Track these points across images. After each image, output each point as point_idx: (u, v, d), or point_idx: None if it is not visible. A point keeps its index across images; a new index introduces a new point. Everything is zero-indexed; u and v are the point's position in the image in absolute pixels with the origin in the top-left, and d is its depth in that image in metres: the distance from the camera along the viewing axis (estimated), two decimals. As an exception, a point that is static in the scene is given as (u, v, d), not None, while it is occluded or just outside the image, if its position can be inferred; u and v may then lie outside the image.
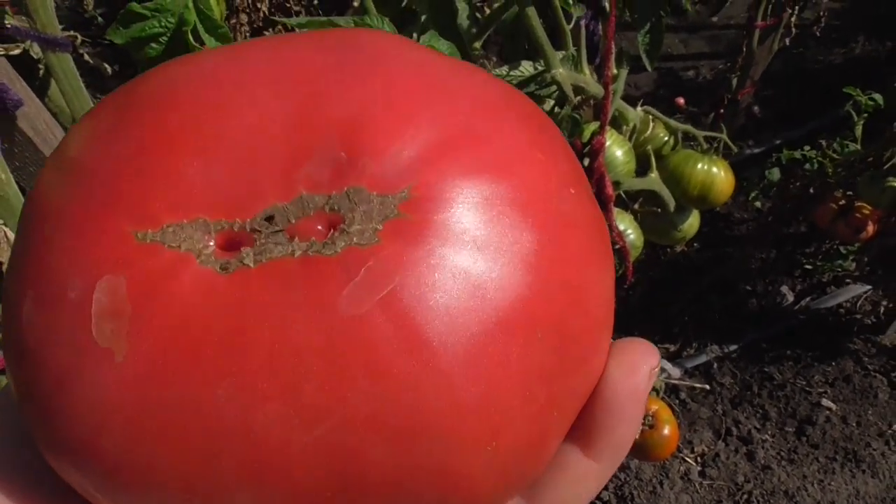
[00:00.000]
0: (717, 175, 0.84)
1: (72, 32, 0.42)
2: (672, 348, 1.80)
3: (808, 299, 1.85)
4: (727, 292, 1.90)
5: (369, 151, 0.19)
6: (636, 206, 0.84)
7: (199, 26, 0.42)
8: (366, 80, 0.20)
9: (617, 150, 0.73)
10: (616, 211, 0.73)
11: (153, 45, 0.43)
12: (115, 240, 0.18)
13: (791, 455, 1.59)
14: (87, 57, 0.47)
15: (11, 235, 0.40)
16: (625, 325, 1.84)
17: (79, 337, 0.18)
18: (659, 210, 0.83)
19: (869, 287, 1.77)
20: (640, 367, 0.22)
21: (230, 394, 0.17)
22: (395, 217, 0.18)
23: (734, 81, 1.85)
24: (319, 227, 0.18)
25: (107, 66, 0.49)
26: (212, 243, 0.19)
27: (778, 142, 2.12)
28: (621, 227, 0.74)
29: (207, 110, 0.20)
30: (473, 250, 0.18)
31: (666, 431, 1.09)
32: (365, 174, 0.19)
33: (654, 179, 0.78)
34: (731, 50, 1.90)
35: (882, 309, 1.76)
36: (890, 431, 1.61)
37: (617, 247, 0.73)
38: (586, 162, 0.69)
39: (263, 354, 0.18)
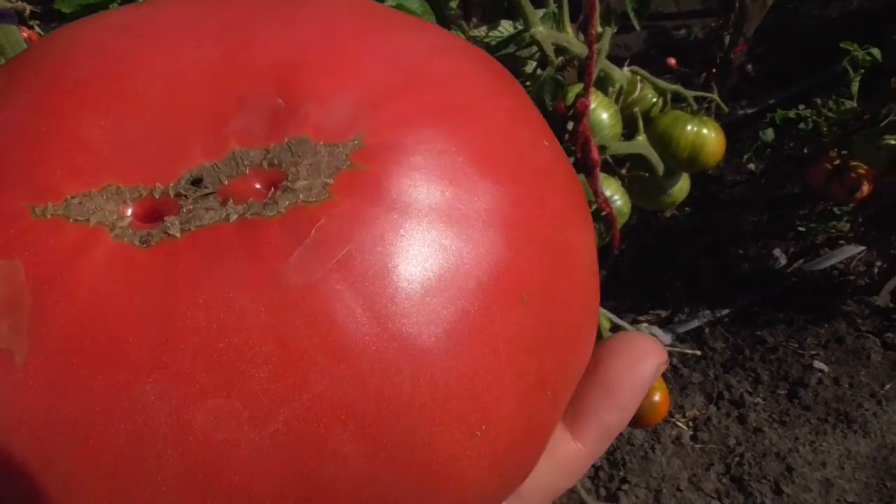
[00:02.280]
0: (707, 136, 0.81)
1: (19, 3, 0.39)
2: (663, 314, 1.79)
3: (801, 262, 1.83)
4: (719, 256, 1.89)
5: (312, 96, 0.16)
6: (623, 171, 0.81)
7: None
8: (304, 21, 0.17)
9: (602, 112, 0.70)
10: (602, 176, 0.70)
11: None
12: (7, 218, 0.15)
13: (783, 417, 1.59)
14: (37, 30, 0.43)
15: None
16: (615, 292, 1.82)
17: None
18: (647, 174, 0.80)
19: (863, 248, 1.75)
20: (646, 358, 0.21)
21: (160, 391, 0.14)
22: (347, 168, 0.16)
23: (726, 40, 1.80)
24: (258, 187, 0.16)
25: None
26: (129, 213, 0.16)
27: (772, 101, 2.08)
28: (608, 193, 0.71)
29: (113, 62, 0.17)
30: (442, 203, 0.16)
31: (656, 398, 1.08)
32: (308, 122, 0.16)
33: (641, 143, 0.75)
34: (724, 7, 1.84)
35: (876, 270, 1.74)
36: (882, 392, 1.60)
37: (603, 213, 0.71)
38: (570, 126, 0.66)
39: (198, 339, 0.15)
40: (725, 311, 1.77)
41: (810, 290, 1.80)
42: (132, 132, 0.16)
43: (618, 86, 0.74)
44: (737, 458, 1.54)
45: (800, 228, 1.87)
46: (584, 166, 0.67)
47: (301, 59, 0.16)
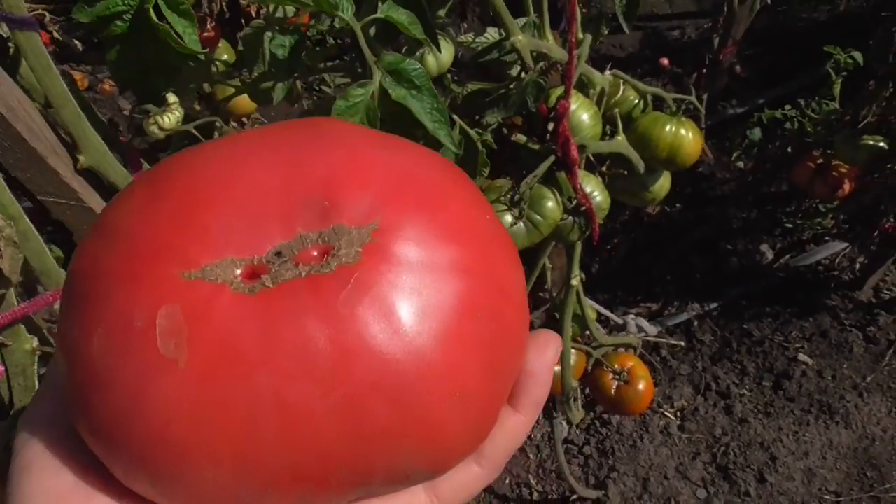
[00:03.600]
0: (684, 137, 0.85)
1: (40, 10, 0.43)
2: (654, 307, 1.84)
3: (787, 257, 1.88)
4: (708, 252, 1.93)
5: (345, 199, 0.26)
6: (604, 169, 0.86)
7: (161, 3, 0.44)
8: (333, 151, 0.27)
9: (583, 113, 0.75)
10: (582, 173, 0.75)
11: (118, 22, 0.44)
12: (167, 280, 0.24)
13: (768, 408, 1.64)
14: (56, 34, 0.48)
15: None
16: (608, 286, 1.87)
17: (148, 354, 0.23)
18: (627, 172, 0.85)
19: (847, 245, 1.80)
20: (549, 346, 0.30)
21: (266, 380, 0.23)
22: (369, 242, 0.25)
23: (716, 42, 1.85)
24: (315, 254, 0.25)
25: (77, 42, 0.50)
26: (239, 273, 0.25)
27: (761, 101, 2.13)
28: (587, 189, 0.76)
29: (220, 180, 0.27)
30: (426, 259, 0.25)
31: (640, 386, 1.12)
32: (344, 215, 0.26)
33: (620, 142, 0.79)
34: (717, 9, 1.89)
35: (858, 265, 1.79)
36: (864, 384, 1.65)
37: (583, 208, 0.75)
38: (551, 126, 0.71)
39: (288, 347, 0.23)
40: (714, 305, 1.82)
41: (796, 285, 1.85)
42: (237, 225, 0.25)
43: (599, 88, 0.79)
44: (723, 448, 1.59)
45: (786, 225, 1.92)
46: (563, 164, 0.72)
47: (336, 174, 0.26)
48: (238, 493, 0.24)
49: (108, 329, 0.24)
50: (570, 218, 0.77)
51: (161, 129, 0.59)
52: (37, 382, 0.50)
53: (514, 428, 0.30)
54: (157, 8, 0.43)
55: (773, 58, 2.34)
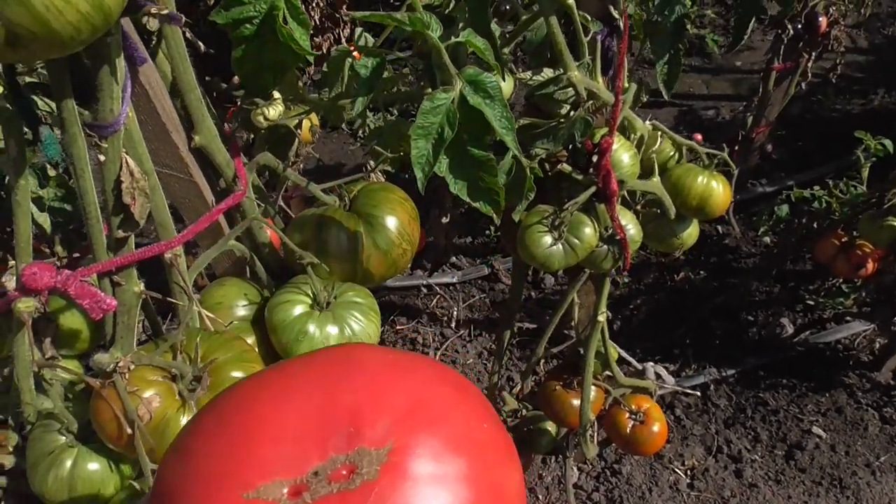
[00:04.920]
0: (715, 189, 0.92)
1: (178, 14, 0.53)
2: (671, 367, 1.88)
3: (807, 333, 1.91)
4: (729, 320, 1.98)
5: (366, 425, 0.33)
6: (638, 208, 0.94)
7: (286, 13, 0.53)
8: (357, 380, 0.35)
9: (623, 154, 0.83)
10: (619, 207, 0.83)
11: (247, 25, 0.54)
12: (232, 500, 0.32)
13: (778, 476, 1.66)
14: (188, 34, 0.58)
15: (132, 163, 0.51)
16: (628, 343, 1.92)
17: None
18: (659, 212, 0.92)
19: (870, 325, 1.83)
20: None
21: None
22: (385, 461, 0.32)
23: (749, 120, 1.94)
24: (344, 473, 0.32)
25: (201, 44, 0.59)
26: (286, 491, 0.32)
27: (790, 183, 2.21)
28: (623, 222, 0.83)
29: (269, 415, 0.34)
30: (434, 473, 0.32)
31: (655, 428, 1.16)
32: (365, 439, 0.33)
33: (655, 183, 0.87)
34: (753, 94, 1.99)
35: (877, 346, 1.82)
36: (877, 463, 1.66)
37: (618, 238, 0.83)
38: (595, 159, 0.79)
39: None
40: (731, 371, 1.85)
41: (815, 360, 1.87)
42: (282, 451, 0.33)
43: (639, 134, 0.87)
44: (731, 511, 1.60)
45: (808, 302, 1.97)
46: (603, 195, 0.80)
47: (359, 404, 0.34)
48: None
49: None
50: (605, 246, 0.84)
51: (266, 119, 0.68)
52: (136, 324, 0.57)
53: None
54: (282, 15, 0.53)
55: (805, 143, 2.43)
